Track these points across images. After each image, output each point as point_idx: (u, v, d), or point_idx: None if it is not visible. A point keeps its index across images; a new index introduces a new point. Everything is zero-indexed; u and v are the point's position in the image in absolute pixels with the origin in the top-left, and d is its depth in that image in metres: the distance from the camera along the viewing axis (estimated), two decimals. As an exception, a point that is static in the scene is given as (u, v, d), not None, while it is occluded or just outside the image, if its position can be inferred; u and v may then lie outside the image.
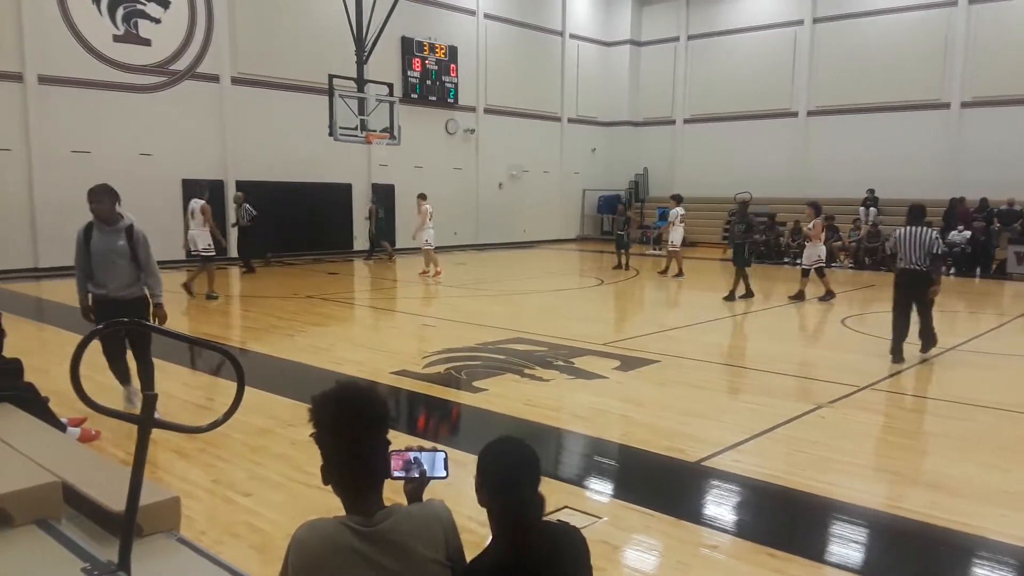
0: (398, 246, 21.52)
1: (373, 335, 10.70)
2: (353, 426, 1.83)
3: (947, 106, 21.46)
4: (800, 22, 23.94)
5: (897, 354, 8.38)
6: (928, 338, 8.61)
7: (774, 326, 11.17)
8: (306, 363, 8.14)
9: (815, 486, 4.80)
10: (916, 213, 8.62)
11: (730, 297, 13.10)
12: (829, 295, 13.06)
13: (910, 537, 4.24)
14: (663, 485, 4.94)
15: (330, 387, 1.87)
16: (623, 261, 18.22)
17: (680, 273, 16.56)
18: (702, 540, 4.09)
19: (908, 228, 8.45)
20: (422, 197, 17.04)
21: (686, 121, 26.79)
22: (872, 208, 21.27)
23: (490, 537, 1.98)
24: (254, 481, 4.75)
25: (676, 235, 16.70)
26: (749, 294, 13.25)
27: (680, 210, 16.83)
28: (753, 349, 9.43)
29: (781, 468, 5.10)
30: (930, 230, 8.42)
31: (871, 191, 21.56)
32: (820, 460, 5.33)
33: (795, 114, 24.18)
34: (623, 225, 18.32)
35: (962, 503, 4.59)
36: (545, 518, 1.96)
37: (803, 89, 23.96)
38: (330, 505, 2.04)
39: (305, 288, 14.45)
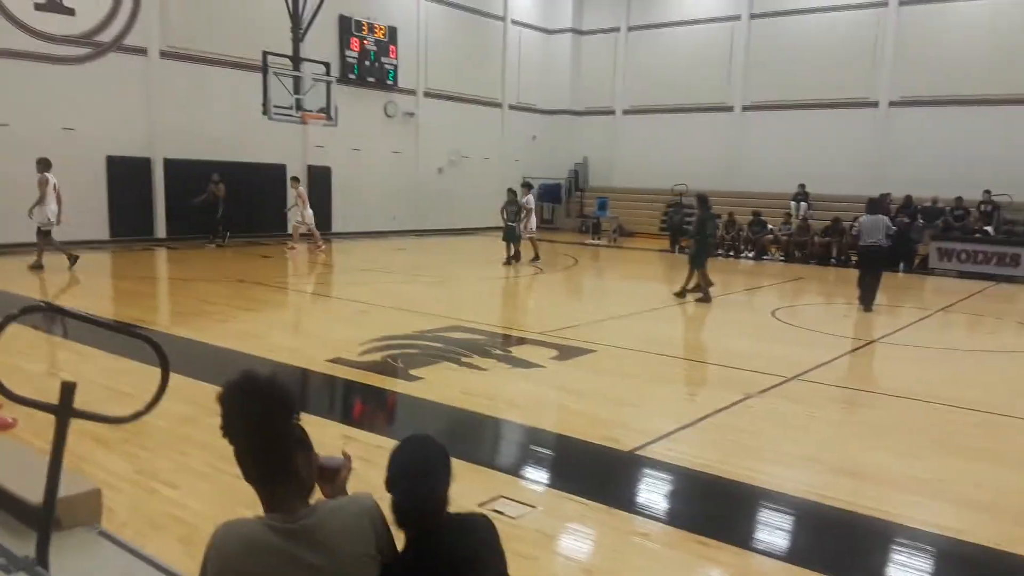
0: (333, 230, 21.18)
1: (308, 321, 10.51)
2: (252, 415, 1.74)
3: (875, 104, 22.19)
4: (737, 17, 24.38)
5: (868, 304, 11.58)
6: (871, 300, 11.69)
7: (707, 318, 11.41)
8: (236, 349, 7.93)
9: (744, 474, 4.92)
10: (874, 204, 12.17)
11: (681, 294, 12.30)
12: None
13: (833, 524, 4.39)
14: (597, 474, 4.99)
15: (233, 375, 1.78)
16: (511, 254, 16.26)
17: (537, 257, 16.85)
18: (635, 528, 4.15)
19: (868, 216, 11.82)
20: (296, 180, 17.91)
21: (625, 112, 27.04)
22: (803, 203, 21.89)
23: None
24: (179, 472, 4.61)
25: (532, 221, 17.20)
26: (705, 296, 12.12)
27: (531, 197, 17.37)
28: (687, 340, 9.63)
29: (712, 457, 5.22)
30: (884, 217, 11.93)
31: (802, 186, 22.18)
32: (749, 449, 5.48)
33: (731, 108, 24.66)
34: (514, 216, 16.32)
35: (880, 490, 4.78)
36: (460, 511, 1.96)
37: (739, 84, 24.44)
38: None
39: (237, 272, 14.08)
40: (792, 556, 3.95)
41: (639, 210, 25.44)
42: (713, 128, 24.78)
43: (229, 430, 1.77)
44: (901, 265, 17.85)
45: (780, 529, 4.36)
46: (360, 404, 6.66)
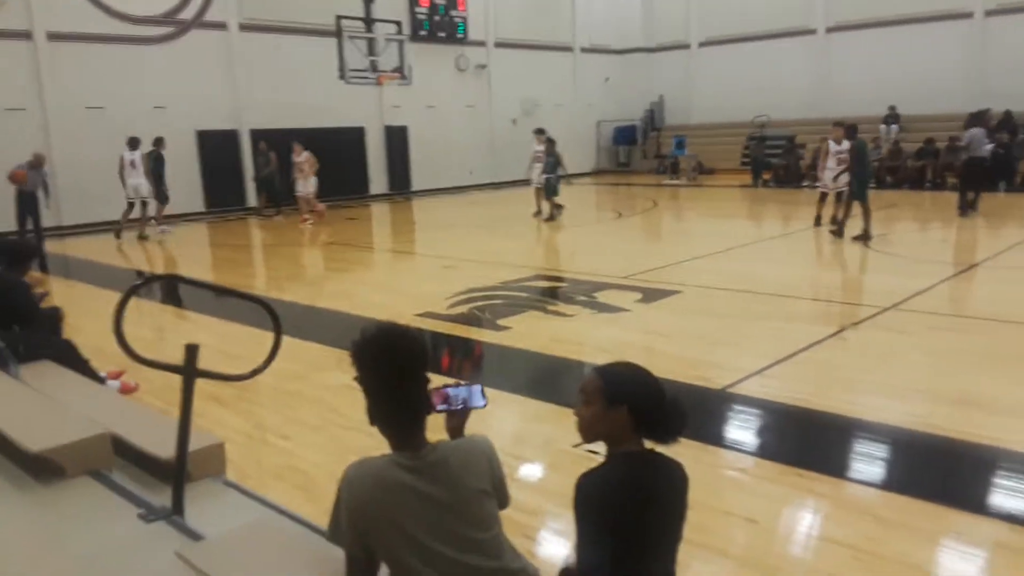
0: (412, 189, 21.48)
1: (395, 278, 10.78)
2: (393, 365, 1.89)
3: (970, 15, 20.68)
4: (816, -69, 22.98)
5: (971, 207, 12.92)
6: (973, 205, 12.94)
7: (795, 251, 11.09)
8: (332, 308, 8.26)
9: (842, 407, 4.86)
10: (975, 118, 14.18)
11: (838, 232, 11.32)
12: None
13: (937, 452, 4.30)
14: (690, 413, 5.01)
15: (369, 330, 1.92)
16: (542, 207, 14.95)
17: (540, 212, 15.07)
18: (731, 463, 4.18)
19: (974, 129, 13.37)
20: (299, 146, 15.79)
21: (701, 45, 26.07)
22: (894, 125, 20.77)
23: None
24: (292, 425, 4.89)
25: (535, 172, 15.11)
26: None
27: (539, 147, 15.09)
28: (775, 275, 9.36)
29: (808, 391, 5.16)
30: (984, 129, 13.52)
31: (892, 108, 21.02)
32: (846, 381, 5.38)
33: (813, 31, 23.44)
34: (553, 167, 14.59)
35: (990, 418, 4.63)
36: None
37: (821, 4, 23.15)
38: (367, 445, 2.12)
39: (325, 234, 14.52)
40: (894, 484, 3.91)
41: (718, 146, 24.65)
42: (795, 54, 23.62)
43: (370, 376, 1.90)
44: (1002, 184, 16.78)
45: (881, 459, 4.30)
46: (451, 355, 6.85)
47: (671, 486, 1.99)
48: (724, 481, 3.99)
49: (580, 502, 1.88)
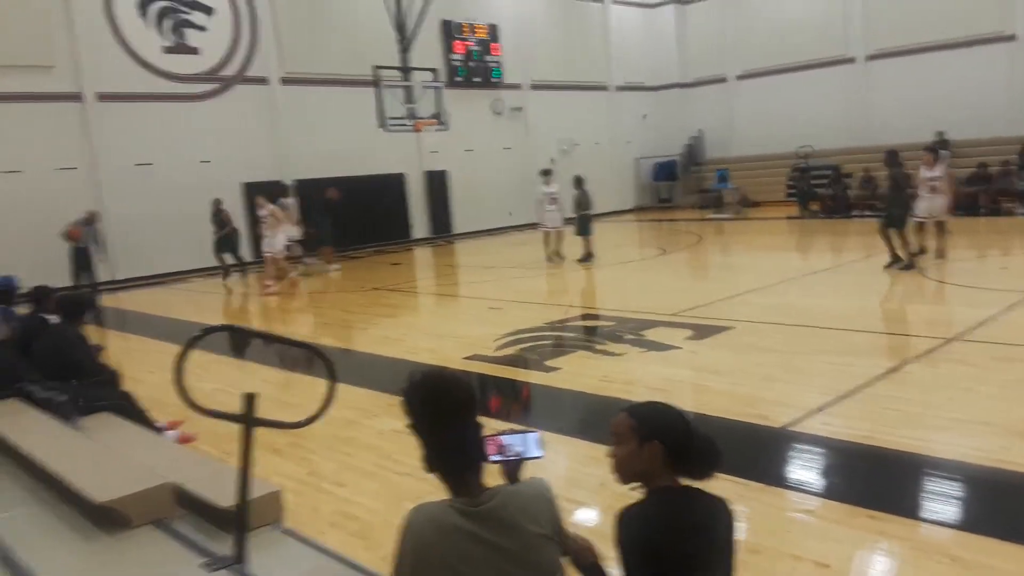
0: (453, 232, 21.69)
1: (442, 322, 10.81)
2: (440, 410, 1.89)
3: (1013, 38, 20.35)
4: (851, -39, 22.98)
5: None
6: None
7: (849, 282, 10.85)
8: (381, 354, 8.30)
9: (909, 444, 4.67)
10: None
11: (897, 261, 10.98)
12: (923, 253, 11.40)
13: (1015, 489, 4.09)
14: (749, 452, 4.86)
15: (415, 376, 1.93)
16: (587, 249, 14.43)
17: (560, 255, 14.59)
18: (796, 505, 4.03)
19: None
20: (265, 198, 14.51)
21: (739, 77, 26.07)
22: (942, 151, 20.35)
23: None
24: (346, 472, 4.88)
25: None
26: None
27: (548, 188, 14.49)
28: (830, 308, 9.14)
29: (872, 427, 4.98)
30: None
31: (940, 134, 20.65)
32: (912, 417, 5.19)
33: (852, 60, 23.30)
34: (587, 203, 14.36)
35: (1069, 452, 4.40)
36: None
37: (859, 33, 23.00)
38: (422, 491, 2.08)
39: (371, 280, 14.68)
40: (971, 524, 3.72)
41: (761, 178, 24.46)
42: (835, 83, 23.44)
43: (423, 424, 1.90)
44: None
45: (955, 497, 4.11)
46: (501, 398, 6.80)
47: (713, 521, 1.97)
48: (790, 524, 3.85)
49: (620, 537, 1.92)
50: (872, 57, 22.92)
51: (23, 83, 14.91)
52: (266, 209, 13.97)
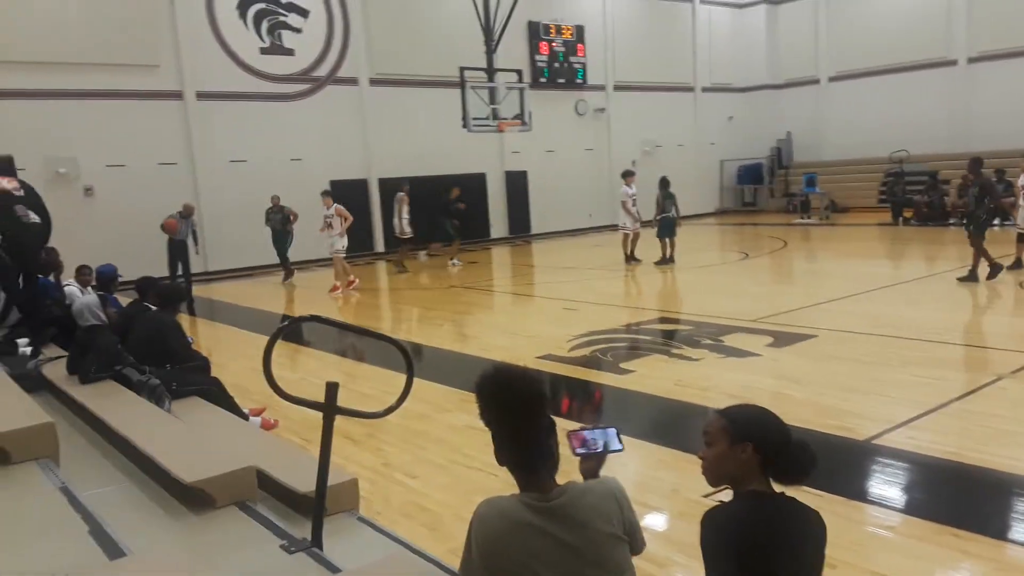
0: (532, 232, 21.74)
1: (516, 321, 10.87)
2: (510, 405, 1.90)
3: None
4: (955, -43, 21.91)
5: None
6: None
7: (941, 293, 10.36)
8: (455, 351, 8.42)
9: (1001, 462, 4.45)
10: None
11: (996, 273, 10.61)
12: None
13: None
14: (831, 465, 4.70)
15: (487, 371, 1.95)
16: (666, 251, 14.35)
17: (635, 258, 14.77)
18: (879, 521, 3.90)
19: None
20: (328, 195, 14.27)
21: (831, 79, 25.20)
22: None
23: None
24: (419, 464, 4.98)
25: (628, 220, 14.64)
26: None
27: (629, 189, 14.56)
28: (920, 319, 8.76)
29: (962, 444, 4.76)
30: None
31: (1046, 139, 19.46)
32: (1003, 434, 4.94)
33: (954, 62, 22.21)
34: (670, 203, 14.40)
35: None
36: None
37: (961, 34, 21.92)
38: (492, 486, 2.12)
39: (448, 278, 14.88)
40: (1070, 553, 3.52)
41: (852, 183, 23.61)
42: (933, 86, 22.40)
43: (493, 417, 1.93)
44: None
45: (1051, 523, 3.89)
46: (573, 399, 6.80)
47: (804, 531, 1.91)
48: (872, 539, 3.72)
49: (707, 538, 1.87)
50: (974, 59, 21.80)
51: (130, 81, 15.76)
52: (331, 209, 13.74)
